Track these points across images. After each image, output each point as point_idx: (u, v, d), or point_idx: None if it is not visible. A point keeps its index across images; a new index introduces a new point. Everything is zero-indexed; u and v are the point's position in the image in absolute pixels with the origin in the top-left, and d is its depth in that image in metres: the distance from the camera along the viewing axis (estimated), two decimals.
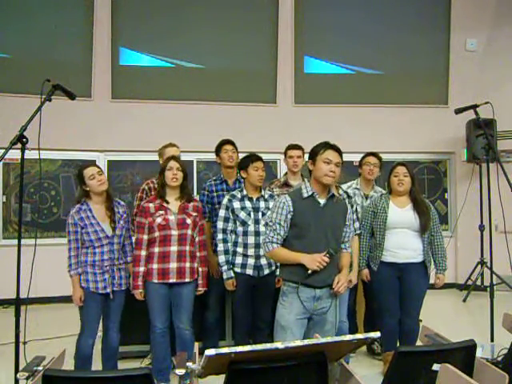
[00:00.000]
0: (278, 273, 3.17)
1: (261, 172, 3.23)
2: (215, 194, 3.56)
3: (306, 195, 2.51)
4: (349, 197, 3.32)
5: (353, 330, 3.53)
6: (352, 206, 3.25)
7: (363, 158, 3.75)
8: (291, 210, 2.47)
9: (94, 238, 2.88)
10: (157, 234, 2.95)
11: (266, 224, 2.51)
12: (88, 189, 2.93)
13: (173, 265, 2.94)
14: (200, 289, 3.06)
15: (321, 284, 2.47)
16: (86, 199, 2.96)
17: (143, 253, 2.97)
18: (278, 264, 3.11)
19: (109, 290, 2.90)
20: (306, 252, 2.43)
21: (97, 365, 3.02)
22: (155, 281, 2.94)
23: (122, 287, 2.99)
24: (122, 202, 3.13)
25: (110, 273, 2.91)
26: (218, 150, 3.67)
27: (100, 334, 3.02)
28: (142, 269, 2.96)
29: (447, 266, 3.28)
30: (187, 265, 2.97)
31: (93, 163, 3.03)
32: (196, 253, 3.05)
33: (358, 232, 3.30)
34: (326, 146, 2.49)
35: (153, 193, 3.60)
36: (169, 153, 3.59)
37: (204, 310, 3.47)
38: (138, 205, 3.66)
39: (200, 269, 3.06)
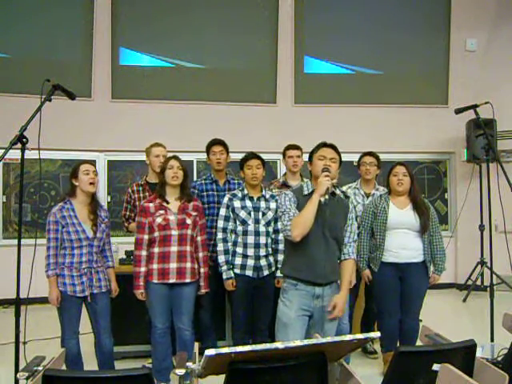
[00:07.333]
0: (278, 274, 3.16)
1: (254, 170, 3.19)
2: (205, 193, 3.52)
3: (306, 192, 2.51)
4: (346, 197, 3.30)
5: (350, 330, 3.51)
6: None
7: (360, 158, 3.79)
8: (297, 202, 2.48)
9: (74, 237, 2.83)
10: (156, 233, 2.94)
11: (282, 213, 2.43)
12: (77, 184, 2.90)
13: (173, 265, 2.92)
14: (203, 290, 3.06)
15: (322, 281, 2.42)
16: (70, 198, 2.92)
17: (144, 253, 2.96)
18: (279, 265, 3.11)
19: (87, 293, 2.84)
20: (305, 251, 2.42)
21: (94, 367, 2.98)
22: (155, 281, 2.93)
23: (102, 289, 2.91)
24: (105, 207, 3.10)
25: (87, 275, 2.85)
26: (207, 151, 3.62)
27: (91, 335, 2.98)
28: (143, 269, 2.94)
29: (446, 268, 3.28)
30: (188, 265, 2.96)
31: (91, 163, 3.03)
32: (196, 253, 3.04)
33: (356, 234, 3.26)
34: (320, 145, 2.57)
35: (136, 196, 3.60)
36: (155, 152, 3.59)
37: (198, 309, 3.45)
38: (125, 207, 3.67)
39: (202, 269, 3.05)
